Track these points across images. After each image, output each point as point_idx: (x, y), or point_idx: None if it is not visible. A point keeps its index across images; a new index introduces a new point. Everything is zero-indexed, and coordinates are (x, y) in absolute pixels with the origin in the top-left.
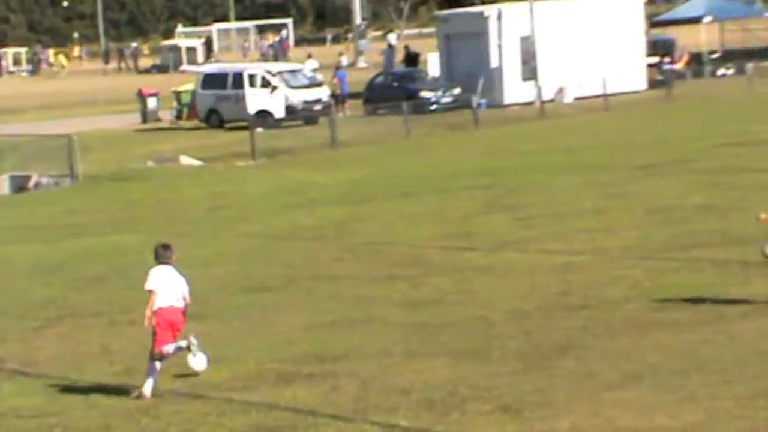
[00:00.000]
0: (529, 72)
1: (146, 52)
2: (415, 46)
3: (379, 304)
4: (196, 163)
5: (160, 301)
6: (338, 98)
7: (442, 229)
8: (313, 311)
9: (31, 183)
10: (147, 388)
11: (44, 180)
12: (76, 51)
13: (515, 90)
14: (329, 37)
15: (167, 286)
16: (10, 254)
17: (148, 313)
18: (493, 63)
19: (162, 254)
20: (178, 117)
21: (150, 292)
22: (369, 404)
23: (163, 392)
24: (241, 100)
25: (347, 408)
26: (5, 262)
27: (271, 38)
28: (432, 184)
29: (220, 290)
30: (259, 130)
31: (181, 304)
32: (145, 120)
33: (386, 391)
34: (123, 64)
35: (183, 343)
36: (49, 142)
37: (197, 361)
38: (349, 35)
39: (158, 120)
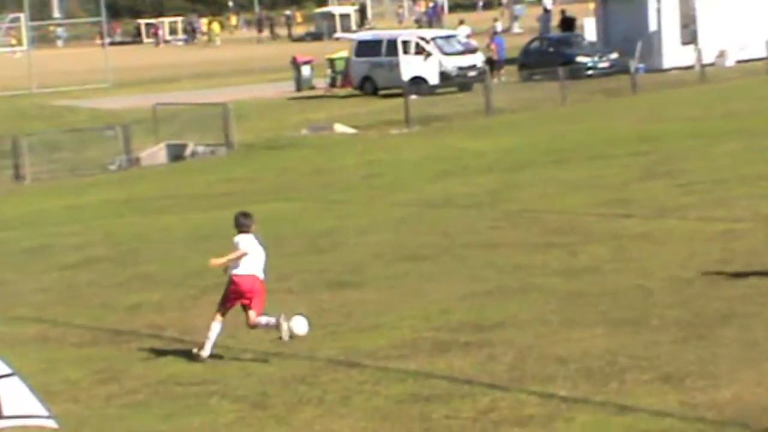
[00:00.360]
0: (689, 35)
1: (299, 20)
2: (571, 10)
3: (536, 273)
4: (350, 130)
5: (241, 269)
6: (494, 64)
7: (599, 196)
8: (469, 279)
9: (188, 151)
10: (207, 348)
11: (200, 149)
12: (233, 20)
13: (674, 54)
14: (481, 3)
15: (254, 254)
16: (168, 223)
17: (223, 260)
18: (652, 27)
19: (243, 222)
20: (332, 84)
21: (242, 253)
22: (526, 373)
23: (321, 360)
24: (395, 67)
25: (503, 377)
26: (163, 230)
27: (425, 4)
28: (588, 151)
29: (375, 258)
30: (413, 97)
31: (261, 275)
32: (299, 88)
33: (543, 360)
34: (272, 33)
35: (272, 321)
36: (204, 111)
37: (298, 325)
38: (504, 1)
39: (312, 88)
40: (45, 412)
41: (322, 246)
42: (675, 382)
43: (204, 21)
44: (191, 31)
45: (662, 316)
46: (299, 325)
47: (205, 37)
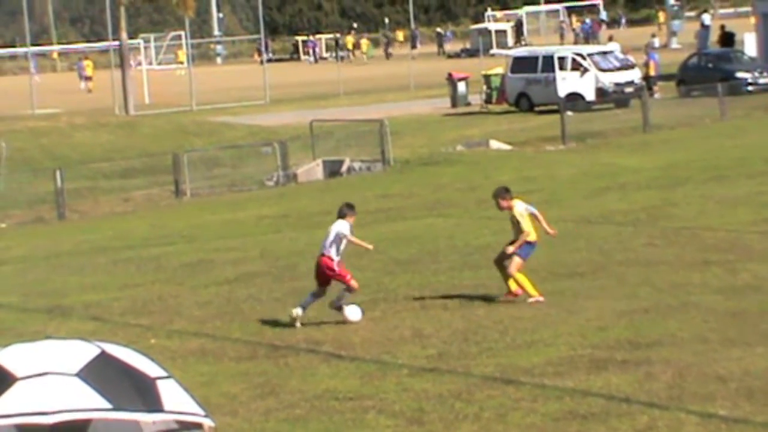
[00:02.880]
0: None
1: (401, 39)
2: (731, 25)
3: (695, 291)
4: (506, 147)
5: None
6: (650, 80)
7: (760, 213)
8: (626, 297)
9: (344, 167)
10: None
11: (356, 164)
12: (400, 36)
13: None
14: (624, 20)
15: (325, 240)
16: None
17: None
18: None
19: (341, 211)
20: (488, 101)
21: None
22: (685, 392)
23: (477, 377)
24: (551, 83)
25: (662, 396)
26: (320, 245)
27: (579, 20)
28: (748, 168)
29: (531, 274)
30: (569, 113)
31: (328, 253)
32: (454, 104)
33: (703, 379)
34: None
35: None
36: (360, 127)
37: (352, 312)
38: (661, 15)
39: (468, 104)
40: (203, 411)
41: (477, 262)
42: None
43: (349, 39)
44: (341, 48)
45: None
46: (354, 312)
47: (356, 54)
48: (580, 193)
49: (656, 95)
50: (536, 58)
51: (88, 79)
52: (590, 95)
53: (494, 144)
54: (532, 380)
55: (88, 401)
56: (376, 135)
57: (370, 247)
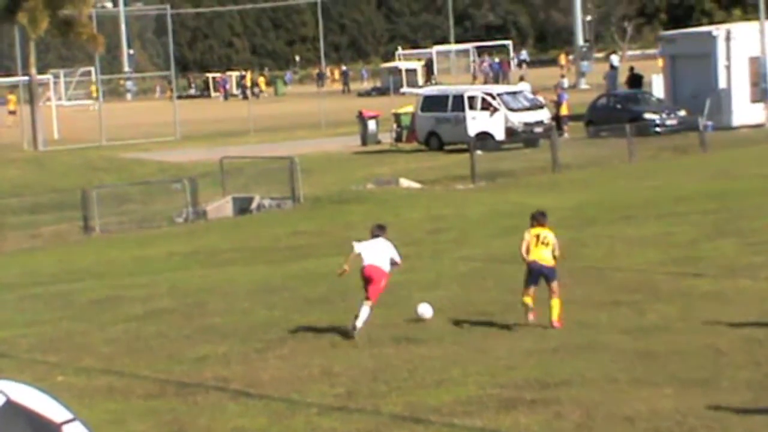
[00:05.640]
0: (759, 93)
1: (337, 76)
2: (639, 67)
3: (603, 330)
4: (416, 185)
5: (364, 260)
6: (560, 120)
7: (668, 254)
8: (535, 336)
9: (254, 204)
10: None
11: (266, 202)
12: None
13: (744, 112)
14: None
15: (371, 251)
16: (234, 275)
17: (345, 266)
18: (721, 84)
19: (375, 231)
20: (398, 139)
21: (354, 254)
22: None
23: (386, 416)
24: (460, 122)
25: None
26: (229, 282)
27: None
28: (657, 208)
29: (440, 313)
30: (479, 152)
31: (380, 264)
32: (365, 142)
33: (611, 419)
34: (345, 86)
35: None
36: (271, 165)
37: (425, 310)
38: (571, 57)
39: (378, 142)
40: None
41: (387, 300)
42: None
43: (261, 77)
44: (244, 87)
45: (733, 377)
46: (426, 310)
47: (268, 92)
48: (489, 232)
49: (565, 135)
50: (446, 97)
51: (12, 113)
52: (500, 135)
53: (404, 182)
54: (441, 419)
55: None
56: (286, 172)
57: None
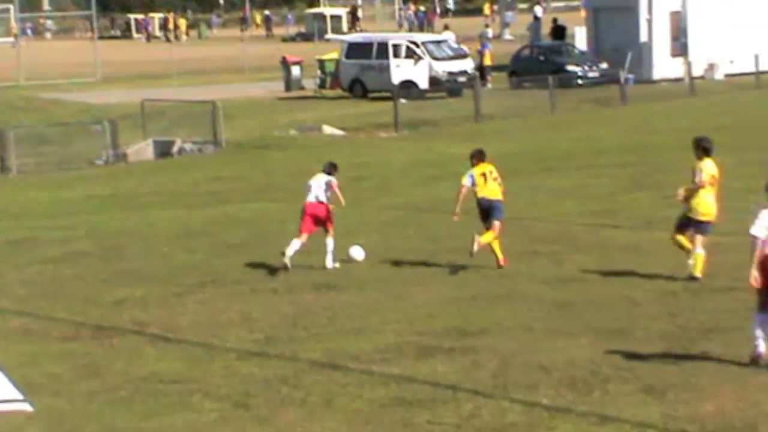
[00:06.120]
0: (679, 47)
1: (258, 21)
2: (563, 19)
3: (522, 280)
4: (339, 132)
5: (307, 198)
6: (484, 70)
7: (587, 205)
8: (455, 285)
9: (175, 148)
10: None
11: (188, 146)
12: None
13: (664, 65)
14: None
15: (315, 187)
16: (154, 219)
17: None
18: (642, 38)
19: (326, 168)
20: (322, 86)
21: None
22: (509, 381)
23: (304, 362)
24: (385, 70)
25: (487, 384)
26: (149, 226)
27: (414, 8)
28: (577, 160)
29: (361, 261)
30: (403, 101)
31: (322, 199)
32: (288, 88)
33: (527, 368)
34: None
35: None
36: (193, 109)
37: (357, 252)
38: (495, 7)
39: (302, 88)
40: (20, 396)
41: (308, 247)
42: (657, 394)
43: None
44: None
45: (647, 327)
46: (358, 252)
47: (190, 35)
48: (411, 181)
49: (488, 86)
50: (371, 44)
51: None
52: (424, 83)
53: (327, 129)
54: (360, 366)
55: None
56: (208, 116)
57: (343, 203)
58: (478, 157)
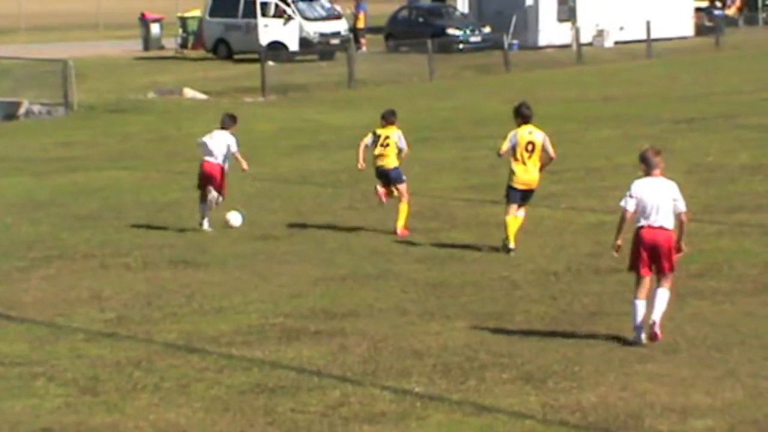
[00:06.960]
0: (566, 12)
1: None
2: None
3: (396, 259)
4: (201, 96)
5: (204, 156)
6: (358, 32)
7: (466, 179)
8: (323, 263)
9: (22, 110)
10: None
11: (36, 108)
12: None
13: (550, 31)
14: None
15: (213, 146)
16: None
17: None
18: (528, 1)
19: (224, 120)
20: (183, 46)
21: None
22: (379, 367)
23: (159, 344)
24: (252, 30)
25: (356, 370)
26: None
27: None
28: (456, 130)
29: (222, 236)
30: (271, 63)
31: (219, 161)
32: (147, 47)
33: (399, 353)
34: None
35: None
36: (42, 67)
37: (234, 217)
38: None
39: (161, 48)
40: None
41: (164, 220)
42: (537, 382)
43: None
44: None
45: (527, 311)
46: (236, 218)
47: None
48: (279, 150)
49: (363, 49)
50: (237, 1)
51: None
52: (293, 45)
53: (188, 92)
54: (219, 350)
55: None
56: (58, 76)
57: (246, 167)
58: (386, 119)
